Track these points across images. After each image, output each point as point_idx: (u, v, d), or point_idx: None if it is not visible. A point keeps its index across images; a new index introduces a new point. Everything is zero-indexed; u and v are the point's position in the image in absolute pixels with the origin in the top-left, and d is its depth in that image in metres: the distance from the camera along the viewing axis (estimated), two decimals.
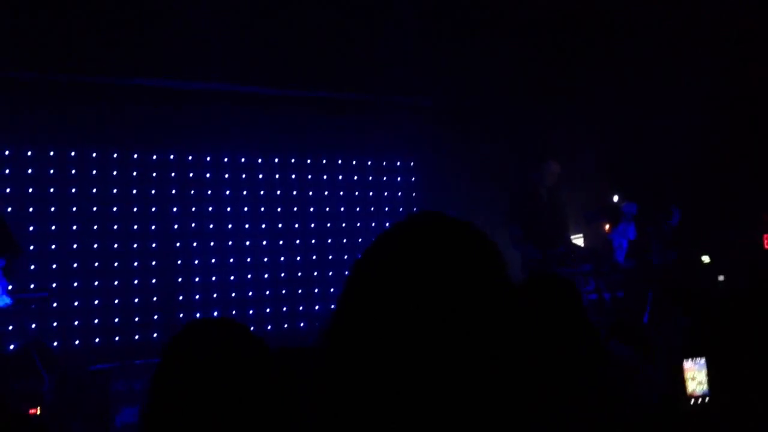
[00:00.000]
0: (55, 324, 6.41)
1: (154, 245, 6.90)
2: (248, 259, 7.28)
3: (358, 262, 1.03)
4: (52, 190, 6.57)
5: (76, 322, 6.52)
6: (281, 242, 7.48)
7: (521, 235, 6.16)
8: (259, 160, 7.46)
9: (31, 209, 6.48)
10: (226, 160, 7.30)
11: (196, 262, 7.05)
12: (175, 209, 7.03)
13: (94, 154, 6.76)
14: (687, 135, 7.00)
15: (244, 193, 7.34)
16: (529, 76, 7.17)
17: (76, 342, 6.49)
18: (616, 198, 6.68)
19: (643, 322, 6.07)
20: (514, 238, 6.18)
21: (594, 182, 7.18)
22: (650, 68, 7.13)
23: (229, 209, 7.26)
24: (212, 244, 7.13)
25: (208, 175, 7.19)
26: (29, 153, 6.53)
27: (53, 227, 6.54)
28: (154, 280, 6.87)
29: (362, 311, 0.96)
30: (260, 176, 7.45)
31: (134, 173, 6.89)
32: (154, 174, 6.97)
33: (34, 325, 6.26)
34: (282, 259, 7.45)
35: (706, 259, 6.56)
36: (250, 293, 7.26)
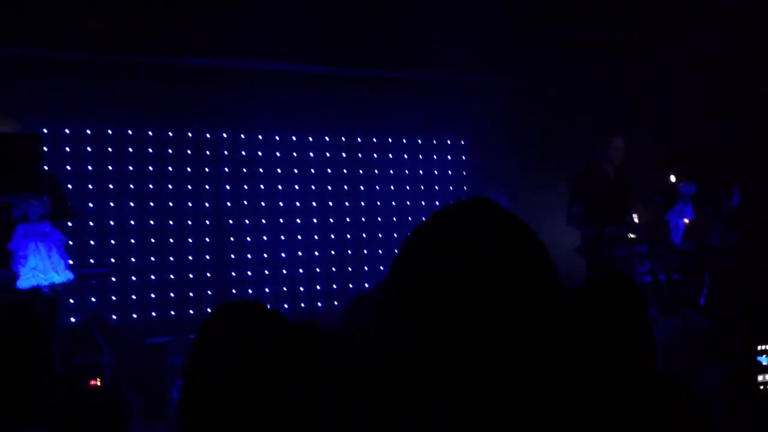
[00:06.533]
0: (113, 298, 6.62)
1: (207, 222, 7.03)
2: (299, 237, 7.36)
3: (408, 241, 1.06)
4: (110, 167, 6.74)
5: (133, 297, 6.71)
6: (332, 220, 7.53)
7: (579, 213, 6.06)
8: (310, 139, 7.50)
9: (90, 186, 6.66)
10: (277, 138, 7.36)
11: (248, 239, 7.16)
12: (227, 187, 7.13)
13: (150, 133, 6.89)
14: (750, 111, 6.73)
15: (295, 171, 7.39)
16: (583, 50, 6.99)
17: (134, 316, 6.68)
18: (673, 178, 6.49)
19: (700, 304, 5.93)
20: (572, 215, 6.11)
21: (650, 161, 6.98)
22: (712, 40, 6.86)
23: (280, 187, 7.33)
24: (264, 221, 7.23)
25: (259, 153, 7.27)
26: (88, 131, 6.69)
27: (111, 204, 6.72)
28: (207, 257, 7.01)
29: (410, 294, 0.98)
30: (311, 155, 7.49)
31: (188, 151, 7.01)
32: (208, 152, 7.08)
33: (93, 299, 6.46)
34: (332, 237, 7.50)
35: None
36: (301, 270, 7.35)
